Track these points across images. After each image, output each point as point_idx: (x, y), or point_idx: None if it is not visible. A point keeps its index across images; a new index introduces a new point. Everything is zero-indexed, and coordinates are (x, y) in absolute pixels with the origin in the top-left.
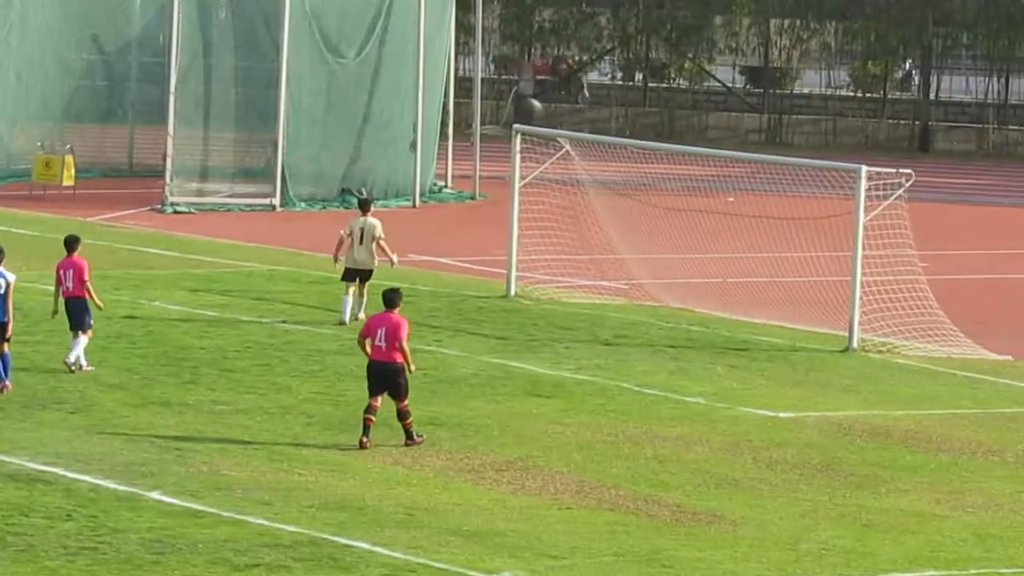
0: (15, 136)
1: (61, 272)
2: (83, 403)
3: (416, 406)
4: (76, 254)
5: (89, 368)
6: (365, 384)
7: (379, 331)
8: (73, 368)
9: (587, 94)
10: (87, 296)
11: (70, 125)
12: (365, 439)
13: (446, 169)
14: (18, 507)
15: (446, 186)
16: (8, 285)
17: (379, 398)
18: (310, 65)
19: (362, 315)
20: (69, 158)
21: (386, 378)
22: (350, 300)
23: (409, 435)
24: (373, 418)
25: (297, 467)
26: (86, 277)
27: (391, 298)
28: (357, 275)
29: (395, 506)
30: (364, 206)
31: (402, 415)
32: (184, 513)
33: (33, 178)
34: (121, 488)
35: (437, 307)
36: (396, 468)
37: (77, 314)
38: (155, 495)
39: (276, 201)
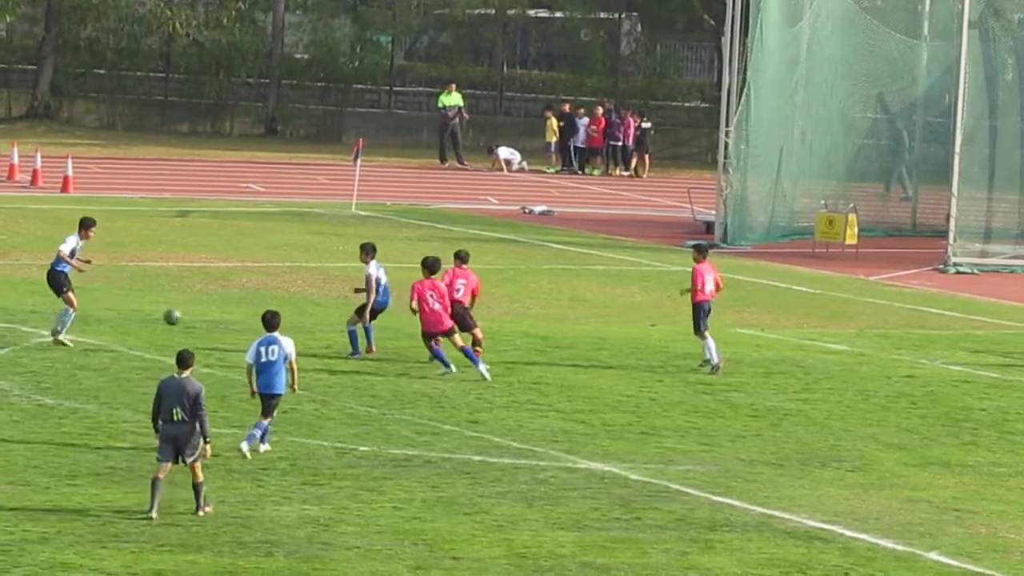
0: (799, 194)
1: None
2: (862, 462)
3: None
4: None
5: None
6: None
7: None
8: None
9: None
10: None
11: (853, 184)
12: None
13: None
14: (795, 564)
15: None
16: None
17: None
18: None
19: None
20: (852, 217)
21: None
22: None
23: None
24: None
25: None
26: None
27: None
28: None
29: None
30: None
31: None
32: (962, 575)
33: (815, 236)
34: (899, 548)
35: None
36: None
37: None
38: (933, 555)
39: None
